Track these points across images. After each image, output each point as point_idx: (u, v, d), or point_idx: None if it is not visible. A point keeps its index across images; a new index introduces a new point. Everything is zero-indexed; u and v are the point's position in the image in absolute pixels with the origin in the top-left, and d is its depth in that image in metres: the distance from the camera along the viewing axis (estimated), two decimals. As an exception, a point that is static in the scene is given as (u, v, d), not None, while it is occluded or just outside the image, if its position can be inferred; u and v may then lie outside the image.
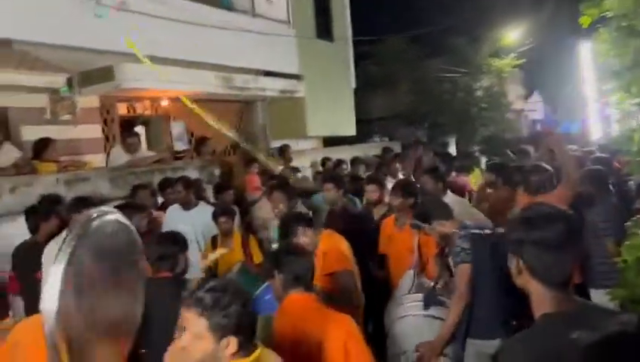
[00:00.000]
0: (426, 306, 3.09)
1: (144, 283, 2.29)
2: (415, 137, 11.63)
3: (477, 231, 3.06)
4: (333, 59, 10.66)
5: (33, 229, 3.72)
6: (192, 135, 8.74)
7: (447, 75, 13.28)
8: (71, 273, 1.49)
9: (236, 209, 5.24)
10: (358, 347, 2.25)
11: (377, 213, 4.68)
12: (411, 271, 3.72)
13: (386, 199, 4.73)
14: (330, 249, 3.21)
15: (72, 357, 1.55)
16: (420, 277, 3.65)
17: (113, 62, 6.71)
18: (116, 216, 1.80)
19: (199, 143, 7.50)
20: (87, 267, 1.58)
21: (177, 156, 7.68)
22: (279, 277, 2.45)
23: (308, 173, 7.85)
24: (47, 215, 3.73)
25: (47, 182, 4.70)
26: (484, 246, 2.96)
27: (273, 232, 4.36)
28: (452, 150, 12.61)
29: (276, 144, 9.37)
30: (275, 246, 4.22)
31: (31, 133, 6.16)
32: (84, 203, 4.02)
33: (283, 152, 7.17)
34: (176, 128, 8.42)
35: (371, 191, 4.73)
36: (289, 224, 3.22)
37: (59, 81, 6.29)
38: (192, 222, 4.78)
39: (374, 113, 13.49)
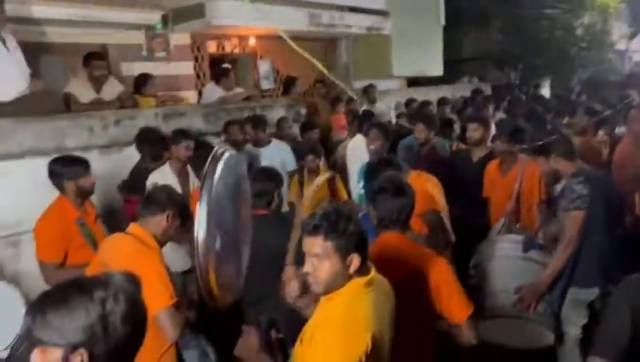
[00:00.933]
0: (526, 249, 3.03)
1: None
2: (507, 79, 11.03)
3: (595, 176, 2.95)
4: (422, -7, 10.19)
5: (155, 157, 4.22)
6: (277, 73, 8.80)
7: (546, 11, 12.31)
8: (213, 204, 1.65)
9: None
10: (450, 287, 2.26)
11: (477, 154, 4.56)
12: (503, 220, 3.67)
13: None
14: (418, 190, 3.19)
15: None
16: (511, 225, 3.59)
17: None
18: (232, 151, 1.95)
19: (287, 82, 7.55)
20: (223, 198, 1.76)
21: (263, 94, 7.79)
22: (373, 215, 2.48)
23: (392, 114, 7.73)
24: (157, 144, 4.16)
25: (147, 116, 4.95)
26: (602, 192, 2.85)
27: (358, 172, 4.38)
28: (546, 93, 11.88)
29: (359, 84, 9.25)
30: (361, 184, 4.25)
31: (129, 69, 6.47)
32: (184, 134, 4.27)
33: (367, 92, 7.07)
34: (263, 66, 8.48)
35: (473, 130, 4.55)
36: (378, 166, 3.23)
37: (154, 18, 6.48)
38: (265, 159, 4.84)
39: (464, 53, 12.82)
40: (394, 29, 9.48)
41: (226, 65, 7.41)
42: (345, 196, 4.90)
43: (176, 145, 4.21)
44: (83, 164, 3.29)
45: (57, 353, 1.16)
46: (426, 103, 7.50)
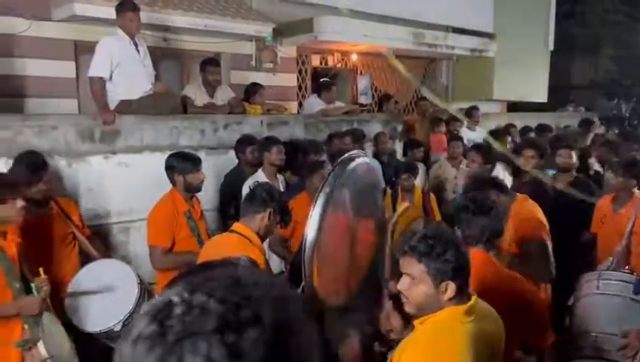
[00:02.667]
0: (638, 291, 2.84)
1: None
2: (617, 110, 10.40)
3: None
4: (531, 17, 9.91)
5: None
6: (375, 90, 8.90)
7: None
8: (329, 210, 1.72)
9: (422, 166, 5.31)
10: (536, 312, 2.19)
11: (563, 181, 4.38)
12: (610, 259, 3.48)
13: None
14: (526, 215, 3.11)
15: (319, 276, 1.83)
16: (619, 267, 3.38)
17: (313, 15, 7.08)
18: (366, 158, 1.99)
19: (383, 98, 7.63)
20: (343, 204, 1.81)
21: (362, 109, 7.91)
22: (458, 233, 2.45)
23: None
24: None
25: (253, 123, 5.21)
26: None
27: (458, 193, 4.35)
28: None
29: (456, 105, 9.15)
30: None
31: (238, 78, 6.85)
32: (275, 140, 4.53)
33: (471, 114, 6.97)
34: (362, 82, 8.64)
35: (566, 156, 4.41)
36: (479, 185, 3.18)
37: (265, 30, 6.81)
38: None
39: (571, 80, 12.28)
40: (499, 51, 9.29)
41: (326, 79, 7.63)
42: (438, 216, 4.87)
43: (269, 151, 4.38)
44: (195, 161, 3.53)
45: None
46: (526, 129, 7.27)
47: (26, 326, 2.55)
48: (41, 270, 2.72)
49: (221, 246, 2.68)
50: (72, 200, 3.83)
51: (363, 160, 2.14)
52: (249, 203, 2.75)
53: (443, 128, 6.44)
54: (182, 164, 3.45)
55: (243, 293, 0.60)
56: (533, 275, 2.87)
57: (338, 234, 2.22)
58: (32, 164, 3.39)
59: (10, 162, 3.66)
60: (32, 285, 2.66)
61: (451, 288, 1.71)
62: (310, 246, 2.05)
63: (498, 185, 3.25)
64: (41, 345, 2.51)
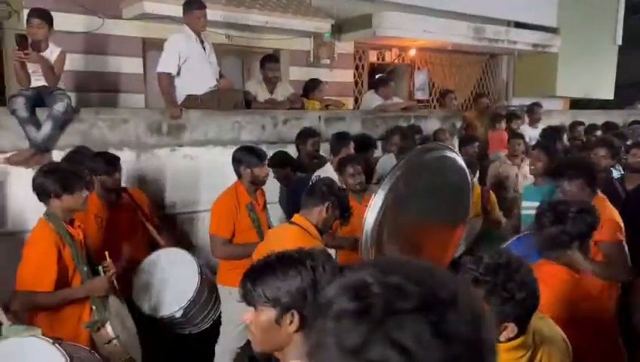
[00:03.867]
0: None
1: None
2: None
3: None
4: (598, 11, 9.50)
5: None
6: (432, 85, 8.80)
7: None
8: (390, 197, 1.73)
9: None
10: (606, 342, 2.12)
11: (634, 181, 4.18)
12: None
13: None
14: (605, 216, 2.99)
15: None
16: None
17: (372, 10, 7.07)
18: (455, 154, 1.97)
19: (441, 94, 7.54)
20: (406, 194, 1.82)
21: (420, 105, 7.85)
22: (537, 240, 2.40)
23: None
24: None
25: (312, 118, 5.28)
26: None
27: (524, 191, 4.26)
28: None
29: (517, 101, 8.90)
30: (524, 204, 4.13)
31: (296, 74, 6.94)
32: (343, 137, 4.49)
33: (532, 111, 6.78)
34: (420, 77, 8.55)
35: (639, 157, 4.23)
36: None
37: (324, 26, 6.86)
38: None
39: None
40: (563, 46, 8.98)
41: (383, 74, 7.62)
42: (497, 214, 4.78)
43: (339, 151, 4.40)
44: (261, 156, 3.63)
45: (272, 313, 1.34)
46: (592, 127, 7.00)
47: (94, 308, 2.69)
48: (106, 253, 2.87)
49: (281, 238, 2.73)
50: (142, 191, 4.02)
51: (442, 154, 2.13)
52: (309, 196, 2.80)
53: (503, 125, 6.30)
54: (249, 157, 3.55)
55: (435, 277, 0.63)
56: (610, 277, 2.80)
57: (404, 222, 2.21)
58: (111, 156, 3.59)
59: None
60: (99, 267, 2.81)
61: (511, 329, 1.57)
62: (371, 232, 2.07)
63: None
64: (108, 326, 2.64)
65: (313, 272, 1.34)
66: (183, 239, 4.45)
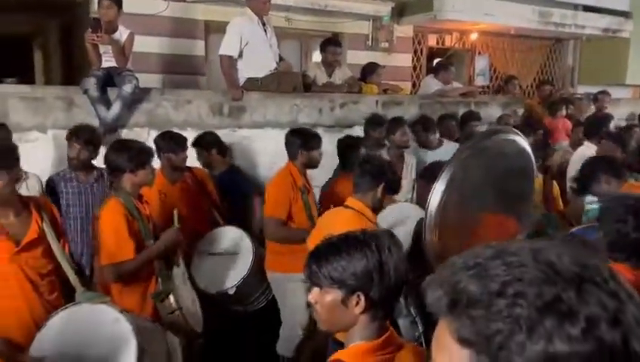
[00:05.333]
0: None
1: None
2: None
3: None
4: (677, -7, 8.92)
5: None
6: (493, 71, 8.55)
7: None
8: (457, 177, 1.72)
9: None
10: None
11: None
12: None
13: None
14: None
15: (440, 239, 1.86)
16: None
17: (433, -7, 6.93)
18: (519, 138, 1.94)
19: (505, 81, 7.32)
20: (473, 176, 1.80)
21: (481, 91, 7.65)
22: (602, 240, 2.30)
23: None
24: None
25: (369, 102, 5.26)
26: None
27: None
28: None
29: (583, 89, 8.52)
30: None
31: (354, 57, 6.90)
32: (399, 122, 4.44)
33: (598, 99, 6.49)
34: (480, 63, 8.33)
35: None
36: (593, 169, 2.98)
37: (383, 9, 6.79)
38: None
39: None
40: (635, 31, 8.50)
41: (443, 59, 7.47)
42: (560, 206, 4.63)
43: (394, 133, 4.37)
44: (315, 139, 3.64)
45: (337, 294, 1.36)
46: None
47: (159, 280, 2.81)
48: (175, 212, 2.97)
49: (336, 222, 2.71)
50: (205, 171, 4.14)
51: (512, 138, 2.08)
52: (362, 178, 2.77)
53: (563, 112, 6.06)
54: (306, 140, 3.57)
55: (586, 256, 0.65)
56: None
57: (467, 204, 2.18)
58: (177, 135, 3.71)
59: (152, 132, 4.05)
60: (174, 214, 2.92)
61: None
62: (435, 210, 2.04)
63: (612, 167, 3.01)
64: (171, 297, 2.74)
65: (379, 254, 1.34)
66: (239, 220, 4.57)
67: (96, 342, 2.18)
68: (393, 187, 2.82)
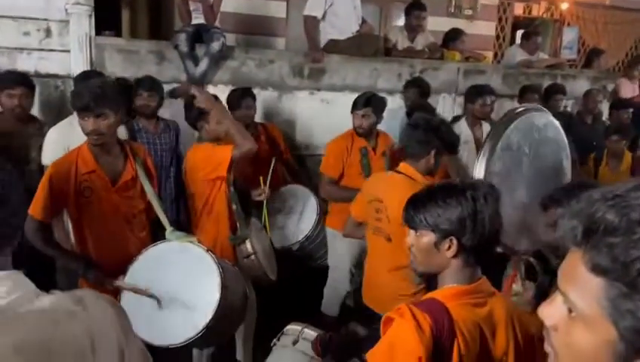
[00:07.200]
0: None
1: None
2: None
3: None
4: None
5: None
6: (582, 44, 8.08)
7: None
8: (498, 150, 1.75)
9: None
10: None
11: None
12: None
13: None
14: None
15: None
16: None
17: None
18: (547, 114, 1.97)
19: (591, 54, 6.90)
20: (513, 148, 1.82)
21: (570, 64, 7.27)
22: None
23: None
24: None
25: (450, 69, 5.14)
26: None
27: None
28: None
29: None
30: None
31: (435, 24, 6.70)
32: (481, 90, 4.25)
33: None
34: (569, 35, 7.89)
35: None
36: None
37: (469, -26, 6.55)
38: None
39: None
40: None
41: (530, 29, 7.13)
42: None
43: (472, 103, 4.22)
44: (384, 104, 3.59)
45: (431, 237, 1.42)
46: None
47: (238, 225, 2.94)
48: (260, 179, 3.13)
49: (389, 187, 2.63)
50: (277, 127, 4.20)
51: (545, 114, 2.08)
52: (409, 145, 2.65)
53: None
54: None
55: None
56: None
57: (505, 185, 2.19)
58: (241, 91, 3.79)
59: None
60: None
61: None
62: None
63: None
64: (247, 243, 2.86)
65: (474, 202, 1.37)
66: (315, 180, 4.64)
67: (183, 278, 2.34)
68: (448, 148, 2.68)
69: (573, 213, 0.68)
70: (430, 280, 2.48)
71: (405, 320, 1.26)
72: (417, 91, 4.35)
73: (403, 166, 2.67)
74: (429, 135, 2.58)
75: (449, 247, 1.40)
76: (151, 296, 2.24)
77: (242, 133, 2.87)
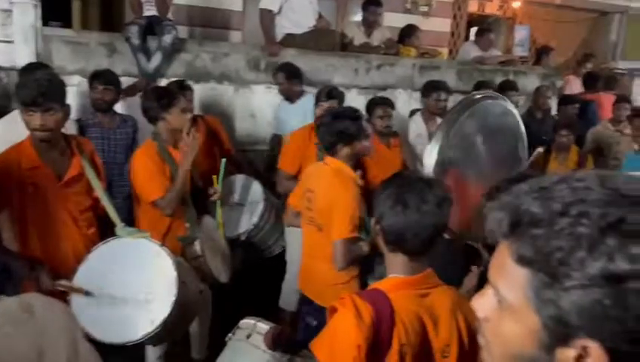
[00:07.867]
0: None
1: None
2: None
3: None
4: None
5: None
6: (533, 42, 8.32)
7: None
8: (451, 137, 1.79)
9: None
10: None
11: None
12: None
13: None
14: None
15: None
16: None
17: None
18: (506, 102, 2.02)
19: (541, 51, 7.11)
20: (467, 135, 1.87)
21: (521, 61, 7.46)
22: None
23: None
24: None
25: (406, 65, 5.20)
26: None
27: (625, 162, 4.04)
28: None
29: (625, 65, 8.24)
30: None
31: (392, 20, 6.77)
32: (436, 85, 4.32)
33: (641, 75, 6.29)
34: (520, 33, 8.10)
35: None
36: None
37: (424, -28, 6.63)
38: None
39: None
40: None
41: (483, 26, 7.28)
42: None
43: (427, 98, 4.28)
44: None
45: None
46: None
47: (187, 225, 2.87)
48: (214, 178, 3.09)
49: (315, 176, 2.71)
50: (218, 119, 3.97)
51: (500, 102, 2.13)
52: (323, 141, 2.72)
53: (610, 92, 5.89)
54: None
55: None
56: None
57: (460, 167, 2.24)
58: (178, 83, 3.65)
59: (191, 83, 4.05)
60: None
61: None
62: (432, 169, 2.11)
63: None
64: (197, 244, 2.80)
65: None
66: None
67: (137, 275, 2.28)
68: (355, 136, 2.64)
69: (501, 205, 0.69)
70: (363, 268, 2.54)
71: (347, 309, 1.27)
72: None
73: (327, 158, 2.70)
74: (332, 126, 2.62)
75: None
76: (86, 293, 2.19)
77: (178, 194, 2.81)
